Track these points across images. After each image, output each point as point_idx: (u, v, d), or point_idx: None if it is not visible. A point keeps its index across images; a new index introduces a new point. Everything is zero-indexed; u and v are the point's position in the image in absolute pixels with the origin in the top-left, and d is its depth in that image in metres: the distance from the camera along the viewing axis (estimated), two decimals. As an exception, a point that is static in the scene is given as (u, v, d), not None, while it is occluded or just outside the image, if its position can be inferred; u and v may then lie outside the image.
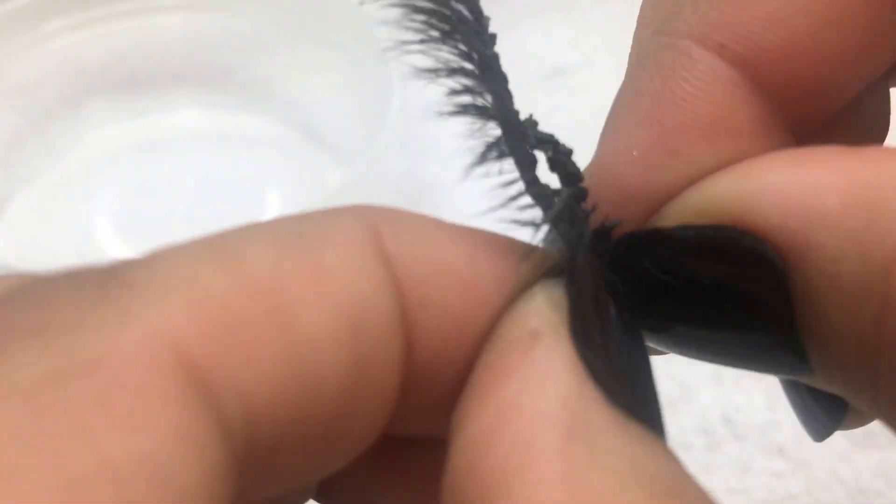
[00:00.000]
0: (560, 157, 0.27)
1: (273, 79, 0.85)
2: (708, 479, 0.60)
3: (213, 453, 0.19)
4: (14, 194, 0.79)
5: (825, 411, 0.33)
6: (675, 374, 0.68)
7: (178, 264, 0.22)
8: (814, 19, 0.26)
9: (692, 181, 0.26)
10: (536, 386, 0.22)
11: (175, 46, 0.85)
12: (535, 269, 0.25)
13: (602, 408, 0.21)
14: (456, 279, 0.24)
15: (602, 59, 0.94)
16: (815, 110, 0.27)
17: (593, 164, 0.28)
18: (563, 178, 0.27)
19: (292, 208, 0.74)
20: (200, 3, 0.85)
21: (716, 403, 0.66)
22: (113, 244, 0.75)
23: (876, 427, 0.58)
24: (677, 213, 0.26)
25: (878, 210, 0.21)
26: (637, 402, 0.22)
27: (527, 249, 0.25)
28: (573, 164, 0.27)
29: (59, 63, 0.83)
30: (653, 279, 0.26)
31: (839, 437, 0.62)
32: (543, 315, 0.24)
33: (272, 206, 0.79)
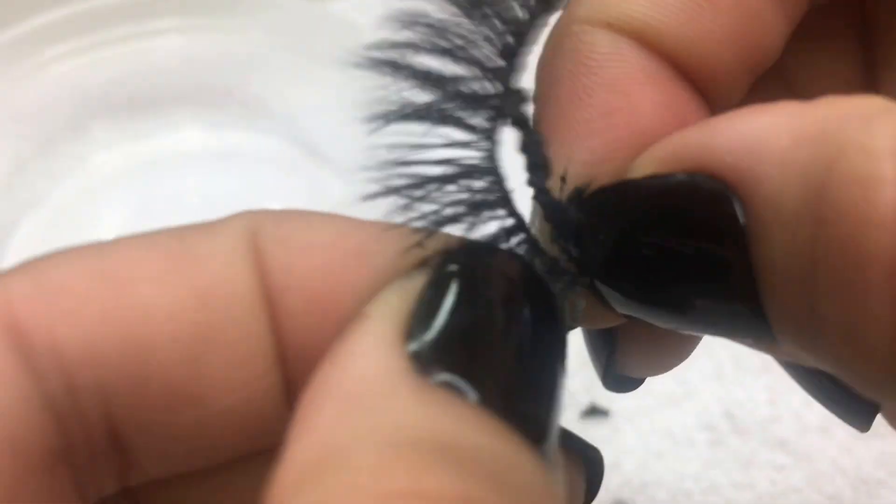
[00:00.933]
0: (531, 141, 0.28)
1: (272, 97, 0.85)
2: (712, 474, 0.61)
3: (15, 388, 0.25)
4: (20, 219, 0.79)
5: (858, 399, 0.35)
6: (677, 371, 0.68)
7: (47, 259, 0.27)
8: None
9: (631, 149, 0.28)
10: (344, 364, 0.25)
11: (174, 68, 0.85)
12: (416, 258, 0.27)
13: (403, 385, 0.24)
14: (321, 268, 0.28)
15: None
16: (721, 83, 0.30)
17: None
18: (530, 165, 0.28)
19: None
20: (198, 24, 0.86)
21: (717, 399, 0.67)
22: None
23: (877, 418, 0.59)
24: (644, 166, 0.27)
25: (825, 141, 0.23)
26: (488, 390, 0.24)
27: (413, 240, 0.27)
28: (542, 152, 0.28)
29: (60, 89, 0.84)
30: (619, 240, 0.27)
31: (840, 429, 0.63)
32: (385, 300, 0.26)
33: None
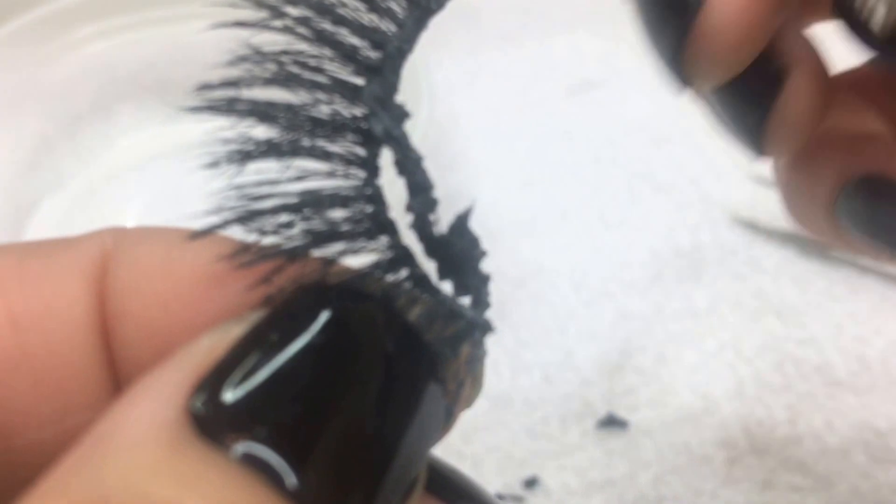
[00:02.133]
0: (409, 161, 0.26)
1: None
2: (728, 493, 0.60)
3: None
4: (44, 199, 0.80)
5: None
6: (697, 386, 0.68)
7: None
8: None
9: None
10: (114, 410, 0.21)
11: (204, 54, 0.85)
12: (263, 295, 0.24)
13: (160, 426, 0.20)
14: (168, 296, 0.25)
15: (630, 72, 0.94)
16: None
17: None
18: (410, 187, 0.26)
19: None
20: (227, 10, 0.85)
21: (737, 417, 0.66)
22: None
23: (893, 442, 0.59)
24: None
25: None
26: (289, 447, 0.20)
27: (263, 274, 0.24)
28: (423, 174, 0.26)
29: (88, 69, 0.84)
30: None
31: (859, 453, 0.62)
32: (197, 342, 0.23)
33: None
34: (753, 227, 0.78)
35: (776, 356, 0.70)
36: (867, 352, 0.70)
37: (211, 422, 0.20)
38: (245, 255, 0.24)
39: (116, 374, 0.25)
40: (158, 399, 0.21)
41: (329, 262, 0.25)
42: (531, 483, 0.62)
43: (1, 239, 0.72)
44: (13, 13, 0.80)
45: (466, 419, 0.65)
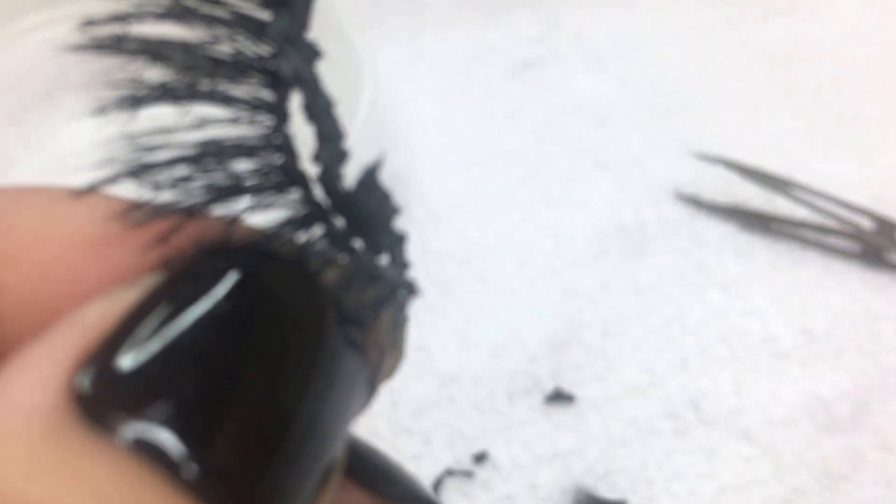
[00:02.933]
0: (319, 106, 0.23)
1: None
2: (676, 464, 0.60)
3: None
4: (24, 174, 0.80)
5: None
6: (643, 360, 0.68)
7: None
8: None
9: None
10: (11, 378, 0.18)
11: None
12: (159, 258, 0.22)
13: (47, 423, 0.17)
14: (48, 263, 0.22)
15: (570, 53, 0.94)
16: None
17: None
18: (321, 133, 0.23)
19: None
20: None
21: (683, 389, 0.67)
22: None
23: (840, 413, 0.59)
24: None
25: None
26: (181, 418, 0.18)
27: (158, 233, 0.21)
28: (334, 121, 0.23)
29: (35, 57, 0.84)
30: None
31: (805, 423, 0.63)
32: (81, 313, 0.20)
33: None
34: (695, 202, 0.79)
35: (721, 329, 0.70)
36: (811, 323, 0.70)
37: (99, 402, 0.18)
38: (138, 213, 0.21)
39: None
40: (36, 380, 0.18)
41: (233, 220, 0.22)
42: (480, 458, 0.62)
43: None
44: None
45: (415, 396, 0.65)
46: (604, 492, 0.61)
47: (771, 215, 0.77)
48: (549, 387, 0.67)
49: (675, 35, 0.98)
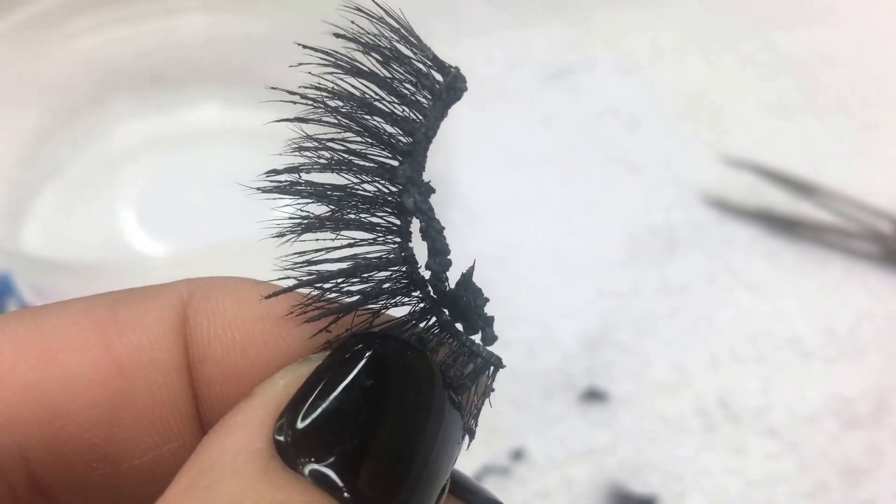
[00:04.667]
0: (431, 230, 0.30)
1: (290, 77, 0.86)
2: (704, 459, 0.63)
3: None
4: (41, 188, 0.81)
5: None
6: (673, 360, 0.70)
7: None
8: None
9: None
10: (213, 437, 0.27)
11: (197, 46, 0.87)
12: (322, 340, 0.30)
13: (252, 467, 0.25)
14: (242, 341, 0.30)
15: (603, 60, 0.96)
16: None
17: None
18: (432, 249, 0.30)
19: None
20: (221, 4, 0.87)
21: (712, 387, 0.69)
22: (137, 236, 0.77)
23: (863, 411, 0.61)
24: None
25: None
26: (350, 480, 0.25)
27: (322, 323, 0.29)
28: (442, 241, 0.30)
29: (84, 61, 0.85)
30: None
31: (829, 420, 0.65)
32: (272, 381, 0.28)
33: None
34: (723, 205, 0.81)
35: (748, 329, 0.72)
36: (834, 324, 0.73)
37: (289, 450, 0.25)
38: (310, 309, 0.29)
39: (199, 408, 0.30)
40: (249, 432, 0.26)
41: (375, 313, 0.30)
42: (517, 454, 0.65)
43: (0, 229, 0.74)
44: (10, 8, 0.81)
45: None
46: (635, 487, 0.63)
47: (796, 219, 0.79)
48: (582, 385, 0.69)
49: (703, 43, 1.00)
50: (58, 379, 0.29)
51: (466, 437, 0.30)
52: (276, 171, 0.29)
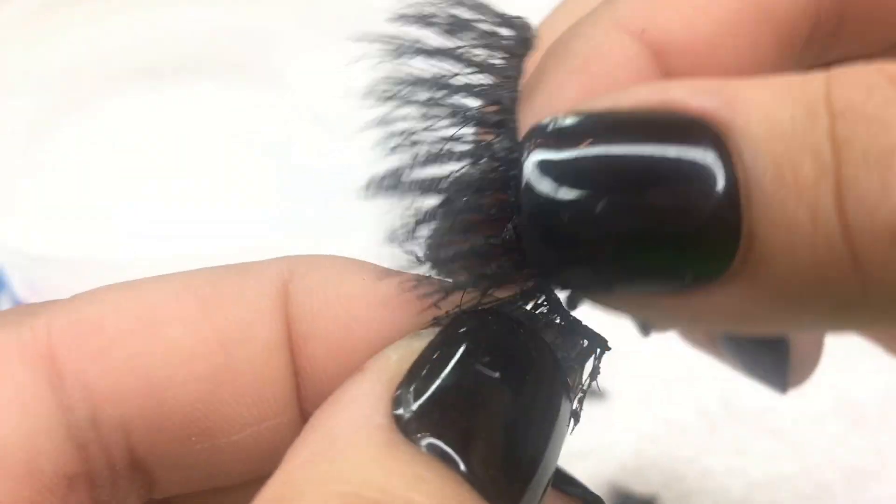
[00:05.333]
0: None
1: (289, 69, 0.87)
2: (706, 459, 0.62)
3: (40, 417, 0.28)
4: (35, 182, 0.80)
5: (771, 360, 0.36)
6: (675, 357, 0.69)
7: (88, 296, 0.30)
8: (715, 26, 0.31)
9: None
10: (330, 411, 0.27)
11: (194, 37, 0.86)
12: (431, 316, 0.29)
13: (374, 440, 0.25)
14: (345, 318, 0.30)
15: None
16: None
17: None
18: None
19: (306, 195, 0.75)
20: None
21: (714, 386, 0.68)
22: (134, 231, 0.77)
23: (868, 410, 0.60)
24: (622, 98, 0.28)
25: (810, 81, 0.25)
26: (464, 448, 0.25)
27: (430, 299, 0.29)
28: None
29: (80, 53, 0.85)
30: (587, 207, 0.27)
31: (833, 420, 0.64)
32: (385, 356, 0.28)
33: (288, 194, 0.80)
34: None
35: (752, 327, 0.71)
36: (840, 323, 0.71)
37: (406, 422, 0.25)
38: (421, 287, 0.29)
39: (299, 386, 0.30)
40: (367, 406, 0.26)
41: (485, 291, 0.29)
42: (517, 453, 0.64)
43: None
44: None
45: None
46: (636, 487, 0.63)
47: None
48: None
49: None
50: (161, 352, 0.29)
51: (572, 422, 0.29)
52: (377, 178, 0.29)
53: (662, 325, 0.29)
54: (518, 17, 0.30)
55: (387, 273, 0.30)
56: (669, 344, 0.70)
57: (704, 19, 0.30)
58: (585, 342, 0.30)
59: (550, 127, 0.27)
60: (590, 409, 0.66)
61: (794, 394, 0.66)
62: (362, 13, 0.80)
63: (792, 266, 0.25)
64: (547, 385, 0.28)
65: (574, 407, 0.29)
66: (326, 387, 0.29)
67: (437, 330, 0.28)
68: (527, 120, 0.29)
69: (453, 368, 0.27)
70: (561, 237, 0.27)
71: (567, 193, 0.26)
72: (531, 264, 0.29)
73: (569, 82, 0.30)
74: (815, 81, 0.25)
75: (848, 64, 0.26)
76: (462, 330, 0.28)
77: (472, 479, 0.25)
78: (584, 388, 0.31)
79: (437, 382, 0.26)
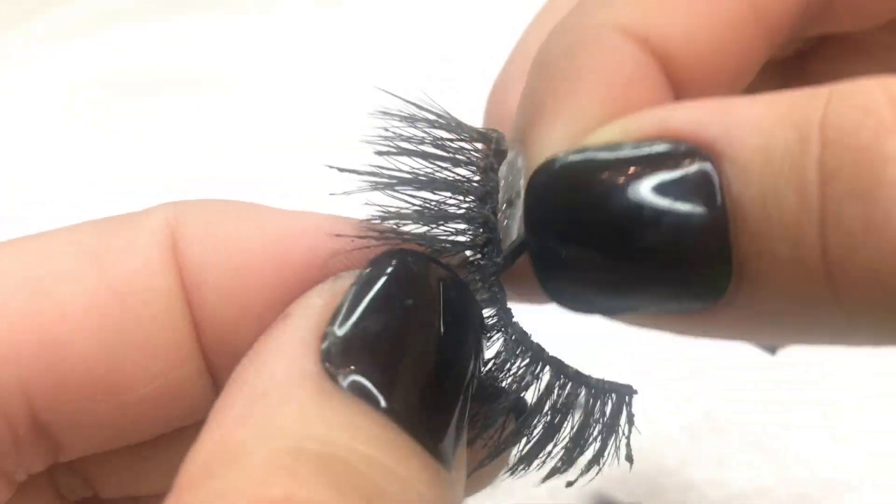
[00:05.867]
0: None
1: (278, 86, 0.88)
2: (688, 471, 0.63)
3: None
4: (49, 191, 0.81)
5: None
6: (659, 370, 0.71)
7: None
8: (713, 28, 0.31)
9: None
10: (258, 362, 0.27)
11: (196, 55, 0.87)
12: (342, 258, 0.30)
13: (308, 388, 0.25)
14: (236, 263, 0.30)
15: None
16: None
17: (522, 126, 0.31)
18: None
19: (302, 206, 0.76)
20: (214, 11, 0.87)
21: (697, 399, 0.69)
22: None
23: (847, 423, 0.61)
24: (607, 132, 0.28)
25: (806, 98, 0.25)
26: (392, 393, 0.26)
27: (347, 238, 0.30)
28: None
29: (80, 69, 0.86)
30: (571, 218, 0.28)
31: (813, 433, 0.65)
32: (307, 300, 0.28)
33: (284, 205, 0.79)
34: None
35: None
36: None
37: (335, 368, 0.26)
38: (367, 233, 0.30)
39: (199, 335, 0.30)
40: (296, 354, 0.26)
41: (429, 245, 0.30)
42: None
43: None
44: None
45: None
46: (621, 497, 0.64)
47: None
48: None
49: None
50: (55, 309, 0.28)
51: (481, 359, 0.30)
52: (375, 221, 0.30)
53: (673, 333, 0.29)
54: (493, 132, 0.31)
55: (282, 213, 0.31)
56: (655, 356, 0.71)
57: (702, 22, 0.31)
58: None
59: (557, 164, 0.28)
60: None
61: (775, 407, 0.67)
62: (355, 33, 0.82)
63: (780, 296, 0.25)
64: (465, 322, 0.29)
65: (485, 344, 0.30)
66: (226, 333, 0.30)
67: (356, 273, 0.29)
68: (550, 144, 0.30)
69: (378, 308, 0.27)
70: (565, 274, 0.29)
71: (564, 236, 0.28)
72: (544, 289, 0.30)
73: (590, 104, 0.30)
74: (815, 101, 0.25)
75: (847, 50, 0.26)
76: (387, 269, 0.28)
77: (396, 417, 0.25)
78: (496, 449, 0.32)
79: (364, 322, 0.27)
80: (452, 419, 0.27)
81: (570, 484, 0.33)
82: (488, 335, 0.31)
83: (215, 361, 0.30)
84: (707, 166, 0.25)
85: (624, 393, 0.33)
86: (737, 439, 0.67)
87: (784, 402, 0.68)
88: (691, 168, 0.26)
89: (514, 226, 0.32)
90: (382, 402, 0.25)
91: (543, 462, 0.33)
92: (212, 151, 0.85)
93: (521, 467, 0.33)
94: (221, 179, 0.81)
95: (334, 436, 0.24)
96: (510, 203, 0.32)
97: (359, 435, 0.25)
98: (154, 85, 0.88)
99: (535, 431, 0.31)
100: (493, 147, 0.31)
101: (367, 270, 0.28)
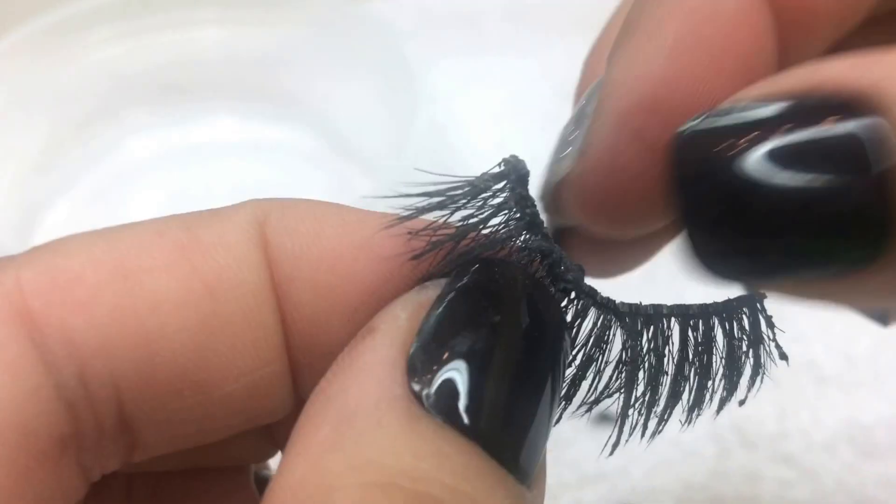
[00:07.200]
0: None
1: (305, 91, 0.87)
2: (717, 485, 0.61)
3: (28, 379, 0.26)
4: (54, 200, 0.81)
5: None
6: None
7: (58, 246, 0.28)
8: None
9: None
10: (345, 380, 0.26)
11: (212, 59, 0.87)
12: (439, 263, 0.29)
13: (397, 415, 0.25)
14: (328, 258, 0.29)
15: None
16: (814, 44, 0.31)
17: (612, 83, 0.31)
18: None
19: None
20: (237, 17, 0.87)
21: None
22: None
23: (880, 440, 0.60)
24: (750, 92, 0.27)
25: None
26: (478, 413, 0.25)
27: (422, 240, 0.29)
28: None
29: (99, 73, 0.85)
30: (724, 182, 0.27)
31: (845, 448, 0.64)
32: (392, 314, 0.27)
33: None
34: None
35: (765, 353, 0.71)
36: (853, 349, 0.72)
37: (417, 387, 0.25)
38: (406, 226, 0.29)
39: (287, 330, 0.29)
40: (384, 376, 0.25)
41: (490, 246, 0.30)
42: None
43: (8, 242, 0.73)
44: (24, 19, 0.81)
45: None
46: (648, 512, 0.62)
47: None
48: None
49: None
50: (147, 301, 0.27)
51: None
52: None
53: (813, 303, 0.28)
54: (504, 161, 0.31)
55: (367, 213, 0.30)
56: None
57: None
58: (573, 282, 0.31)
59: (711, 123, 0.28)
60: (601, 434, 0.66)
61: (807, 421, 0.66)
62: (380, 34, 0.82)
63: None
64: (563, 338, 0.28)
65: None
66: (313, 333, 0.29)
67: (441, 282, 0.28)
68: (635, 59, 0.30)
69: (464, 324, 0.26)
70: (720, 239, 0.28)
71: (750, 184, 0.26)
72: (694, 256, 0.30)
73: (675, 25, 0.30)
74: None
75: None
76: (472, 283, 0.28)
77: (481, 439, 0.25)
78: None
79: (448, 340, 0.26)
80: (539, 438, 0.27)
81: (742, 402, 0.34)
82: (574, 334, 0.31)
83: (300, 361, 0.30)
84: (870, 121, 0.24)
85: (753, 302, 0.31)
86: (767, 454, 0.65)
87: (815, 415, 0.67)
88: (851, 124, 0.25)
89: (577, 143, 0.33)
90: (466, 421, 0.25)
91: (711, 400, 0.33)
92: (224, 157, 0.85)
93: (695, 413, 0.34)
94: (238, 188, 0.80)
95: (423, 468, 0.24)
96: (579, 122, 0.33)
97: (445, 465, 0.24)
98: (163, 87, 0.87)
99: (691, 380, 0.32)
100: (512, 178, 0.31)
101: (453, 282, 0.28)
